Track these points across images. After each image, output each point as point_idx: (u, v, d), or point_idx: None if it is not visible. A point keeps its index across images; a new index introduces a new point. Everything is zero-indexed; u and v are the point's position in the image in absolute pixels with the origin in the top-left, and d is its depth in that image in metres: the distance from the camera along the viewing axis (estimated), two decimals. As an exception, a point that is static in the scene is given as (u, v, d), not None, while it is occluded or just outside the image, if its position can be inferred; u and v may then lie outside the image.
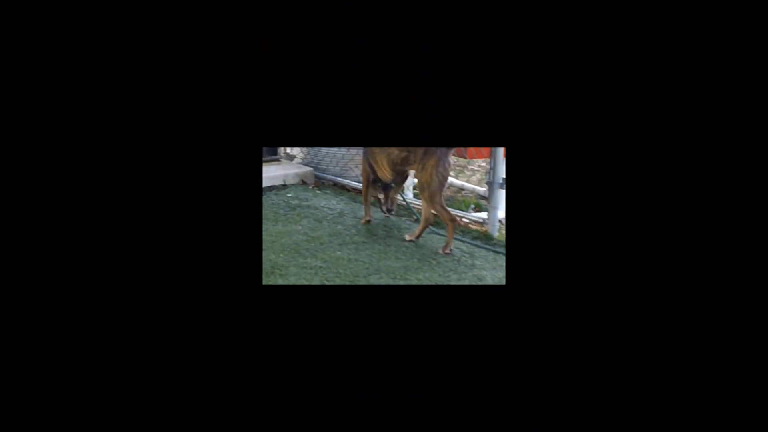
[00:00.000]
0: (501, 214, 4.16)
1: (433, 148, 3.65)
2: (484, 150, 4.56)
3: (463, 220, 4.38)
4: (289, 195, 4.48)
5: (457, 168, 5.48)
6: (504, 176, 4.19)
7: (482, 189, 4.69)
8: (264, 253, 3.43)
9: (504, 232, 4.10)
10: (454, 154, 4.33)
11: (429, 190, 3.66)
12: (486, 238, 4.04)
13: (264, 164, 4.57)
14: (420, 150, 3.70)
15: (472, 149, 4.58)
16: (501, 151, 4.25)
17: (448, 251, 3.68)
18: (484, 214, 4.36)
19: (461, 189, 4.99)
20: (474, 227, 4.27)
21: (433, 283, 3.19)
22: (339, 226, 3.99)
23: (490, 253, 3.76)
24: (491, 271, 3.44)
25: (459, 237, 3.95)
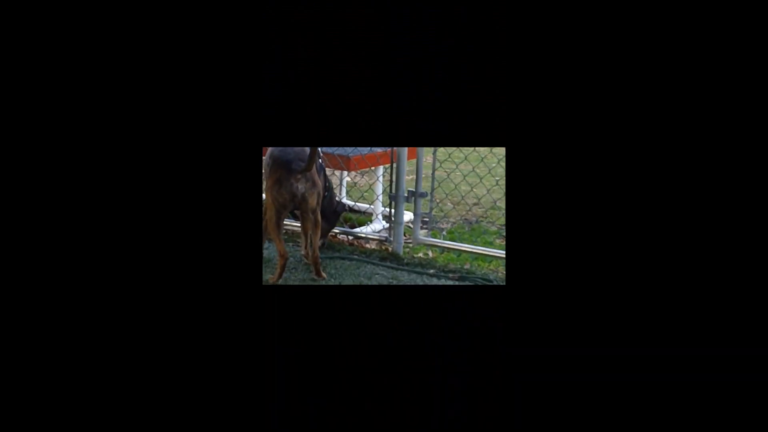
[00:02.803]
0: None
1: (279, 162, 3.16)
2: (368, 158, 4.06)
3: (358, 240, 3.98)
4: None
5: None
6: (411, 189, 3.81)
7: (364, 205, 4.36)
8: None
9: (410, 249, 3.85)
10: (328, 165, 3.89)
11: (266, 214, 3.16)
12: (395, 258, 3.71)
13: None
14: (265, 161, 3.21)
15: (354, 159, 4.05)
16: (404, 158, 3.78)
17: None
18: (368, 229, 4.06)
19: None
20: (370, 246, 3.91)
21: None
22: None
23: (417, 276, 3.42)
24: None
25: (367, 260, 3.64)
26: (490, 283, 3.36)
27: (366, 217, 4.36)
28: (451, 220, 4.60)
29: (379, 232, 4.09)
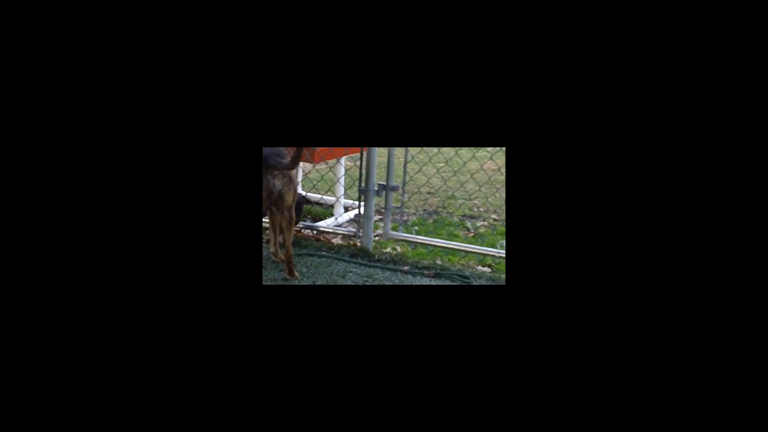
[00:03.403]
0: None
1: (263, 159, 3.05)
2: (335, 149, 4.02)
3: (325, 234, 3.91)
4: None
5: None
6: (382, 183, 3.73)
7: (331, 198, 4.29)
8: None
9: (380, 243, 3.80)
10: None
11: None
12: (365, 254, 3.62)
13: None
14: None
15: (320, 151, 4.02)
16: (375, 150, 3.71)
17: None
18: (331, 221, 3.98)
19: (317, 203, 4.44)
20: (338, 242, 3.82)
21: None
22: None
23: (391, 273, 3.36)
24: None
25: (338, 257, 3.56)
26: (468, 280, 3.36)
27: (328, 210, 4.29)
28: (411, 212, 4.58)
29: (343, 225, 4.03)
